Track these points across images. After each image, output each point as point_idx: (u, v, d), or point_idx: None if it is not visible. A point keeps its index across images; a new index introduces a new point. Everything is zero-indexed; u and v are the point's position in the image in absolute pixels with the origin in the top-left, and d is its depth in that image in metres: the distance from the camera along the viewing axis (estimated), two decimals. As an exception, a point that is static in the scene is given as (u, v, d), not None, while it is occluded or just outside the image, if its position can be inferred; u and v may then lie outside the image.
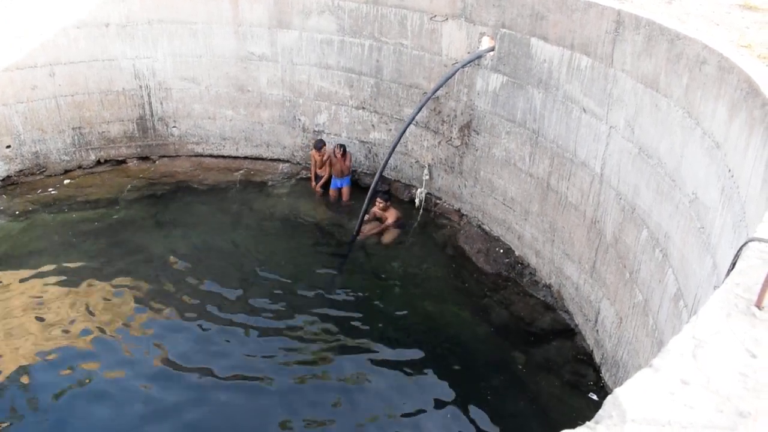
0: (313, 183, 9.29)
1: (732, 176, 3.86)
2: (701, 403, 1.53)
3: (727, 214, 3.84)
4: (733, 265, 2.15)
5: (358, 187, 9.25)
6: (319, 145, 8.93)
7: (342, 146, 8.80)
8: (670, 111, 4.83)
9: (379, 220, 8.40)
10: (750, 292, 1.95)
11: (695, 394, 1.55)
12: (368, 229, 8.24)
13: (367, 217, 8.14)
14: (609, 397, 1.53)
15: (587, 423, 1.45)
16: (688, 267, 4.44)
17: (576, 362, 6.27)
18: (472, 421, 5.60)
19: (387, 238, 8.23)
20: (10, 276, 7.17)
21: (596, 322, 6.21)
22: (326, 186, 9.21)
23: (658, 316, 4.92)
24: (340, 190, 9.09)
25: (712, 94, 4.29)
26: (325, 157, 9.01)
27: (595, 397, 5.83)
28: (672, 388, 1.56)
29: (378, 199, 8.24)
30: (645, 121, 5.20)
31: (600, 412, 1.49)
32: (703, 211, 4.29)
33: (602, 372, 6.04)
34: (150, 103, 9.62)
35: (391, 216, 8.32)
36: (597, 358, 6.18)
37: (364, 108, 9.02)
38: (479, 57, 7.30)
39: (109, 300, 6.86)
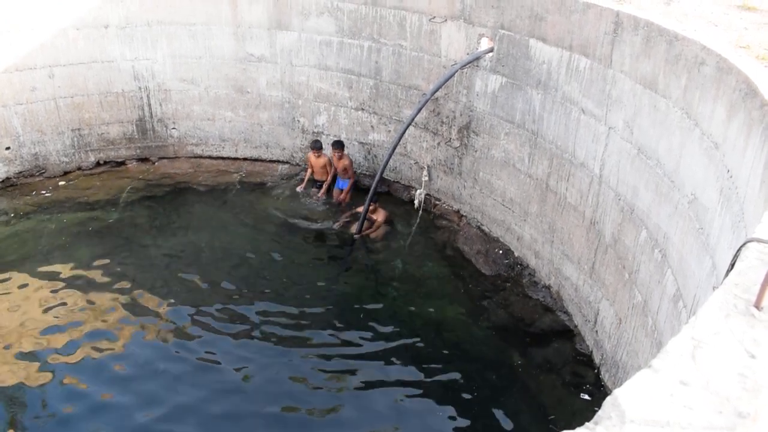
0: (303, 185, 9.25)
1: (731, 177, 3.87)
2: (700, 403, 1.53)
3: (725, 214, 3.84)
4: (732, 265, 2.15)
5: (356, 188, 9.25)
6: (317, 145, 8.93)
7: (339, 143, 8.76)
8: (669, 112, 4.83)
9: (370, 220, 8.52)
10: (749, 293, 1.95)
11: (694, 394, 1.56)
12: (364, 228, 8.35)
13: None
14: (608, 398, 1.53)
15: (586, 424, 1.45)
16: (687, 268, 4.44)
17: (575, 363, 6.27)
18: (471, 422, 5.60)
19: (375, 234, 8.39)
20: (9, 278, 7.16)
21: (595, 322, 6.21)
22: (329, 189, 9.19)
23: (658, 316, 4.92)
24: (342, 191, 9.07)
25: (710, 94, 4.29)
26: (322, 161, 9.02)
27: (588, 397, 5.84)
28: (671, 388, 1.57)
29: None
30: (644, 121, 5.20)
31: (599, 412, 1.49)
32: (701, 211, 4.29)
33: (602, 373, 6.04)
34: (149, 105, 9.62)
35: (380, 215, 8.49)
36: (596, 359, 6.18)
37: (363, 109, 9.02)
38: (478, 58, 7.31)
39: (108, 302, 6.85)
